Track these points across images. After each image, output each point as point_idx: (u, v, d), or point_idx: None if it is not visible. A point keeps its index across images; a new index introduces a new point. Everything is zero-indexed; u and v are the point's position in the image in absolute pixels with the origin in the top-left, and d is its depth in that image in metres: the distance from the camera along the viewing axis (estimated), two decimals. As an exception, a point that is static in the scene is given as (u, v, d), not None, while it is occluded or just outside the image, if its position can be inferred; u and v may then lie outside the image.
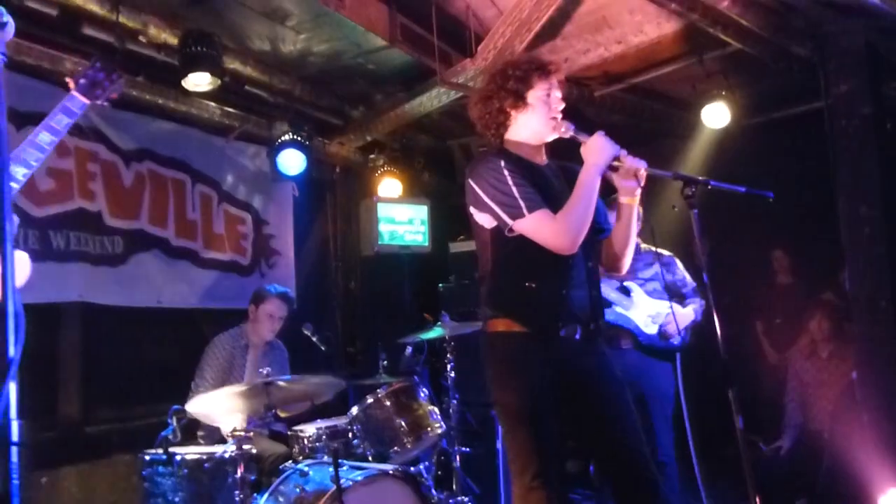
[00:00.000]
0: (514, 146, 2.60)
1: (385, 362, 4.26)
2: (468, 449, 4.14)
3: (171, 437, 3.17)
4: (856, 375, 4.22)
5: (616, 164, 2.49)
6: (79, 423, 4.04)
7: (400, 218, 5.80)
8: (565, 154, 2.67)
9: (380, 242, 5.67)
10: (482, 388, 4.59)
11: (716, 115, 4.96)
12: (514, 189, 2.41)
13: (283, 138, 5.00)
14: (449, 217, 6.17)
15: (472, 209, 2.55)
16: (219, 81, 4.15)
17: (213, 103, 4.79)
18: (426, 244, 5.87)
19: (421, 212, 5.91)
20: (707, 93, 5.02)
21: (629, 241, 2.64)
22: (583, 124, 2.57)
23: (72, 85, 2.41)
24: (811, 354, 4.99)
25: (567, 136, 2.54)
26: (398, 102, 5.14)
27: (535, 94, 2.54)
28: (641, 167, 2.49)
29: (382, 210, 5.70)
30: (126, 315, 4.34)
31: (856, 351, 4.12)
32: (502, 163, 2.48)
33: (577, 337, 2.49)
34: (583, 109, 5.23)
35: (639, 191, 2.54)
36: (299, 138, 5.00)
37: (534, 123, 2.56)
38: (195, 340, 4.31)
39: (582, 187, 2.44)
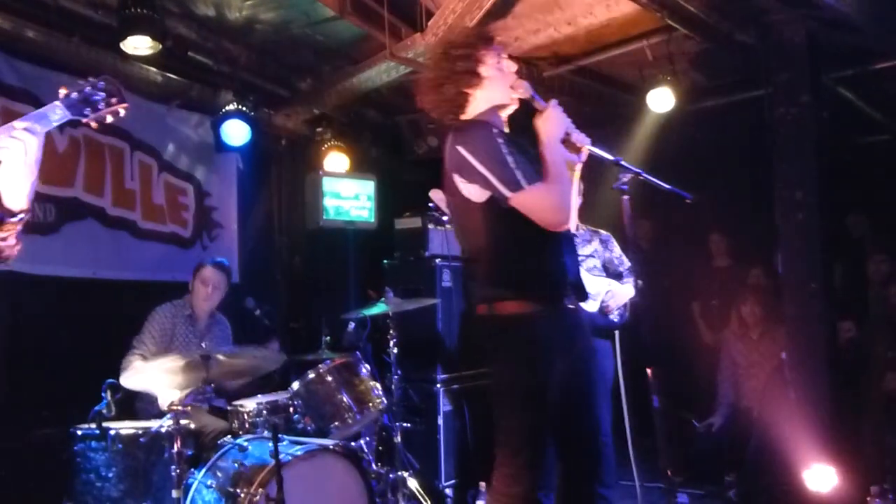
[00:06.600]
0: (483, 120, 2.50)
1: (327, 338, 4.22)
2: (409, 425, 4.16)
3: (104, 411, 3.09)
4: (785, 356, 4.37)
5: (564, 136, 2.48)
6: (5, 398, 3.88)
7: (346, 193, 5.73)
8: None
9: (325, 217, 5.59)
10: (424, 364, 4.67)
11: (661, 100, 5.02)
12: (509, 159, 2.31)
13: (227, 108, 4.87)
14: (396, 193, 6.13)
15: (457, 178, 2.40)
16: (160, 46, 3.99)
17: (154, 69, 4.63)
18: (372, 220, 5.82)
19: (367, 187, 5.85)
20: (653, 77, 5.08)
21: None
22: (531, 105, 2.55)
23: (62, 94, 2.21)
24: (743, 335, 5.16)
25: (525, 96, 2.51)
26: (346, 75, 5.05)
27: (487, 68, 2.48)
28: (586, 144, 2.48)
29: (328, 185, 5.62)
30: (59, 286, 4.19)
31: (786, 332, 4.26)
32: (494, 130, 2.40)
33: (574, 306, 2.47)
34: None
35: (580, 165, 2.51)
36: (245, 108, 4.89)
37: (495, 95, 2.50)
38: (133, 314, 4.15)
39: (554, 163, 2.37)
